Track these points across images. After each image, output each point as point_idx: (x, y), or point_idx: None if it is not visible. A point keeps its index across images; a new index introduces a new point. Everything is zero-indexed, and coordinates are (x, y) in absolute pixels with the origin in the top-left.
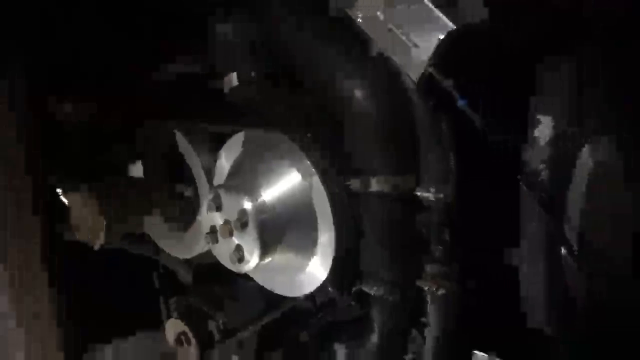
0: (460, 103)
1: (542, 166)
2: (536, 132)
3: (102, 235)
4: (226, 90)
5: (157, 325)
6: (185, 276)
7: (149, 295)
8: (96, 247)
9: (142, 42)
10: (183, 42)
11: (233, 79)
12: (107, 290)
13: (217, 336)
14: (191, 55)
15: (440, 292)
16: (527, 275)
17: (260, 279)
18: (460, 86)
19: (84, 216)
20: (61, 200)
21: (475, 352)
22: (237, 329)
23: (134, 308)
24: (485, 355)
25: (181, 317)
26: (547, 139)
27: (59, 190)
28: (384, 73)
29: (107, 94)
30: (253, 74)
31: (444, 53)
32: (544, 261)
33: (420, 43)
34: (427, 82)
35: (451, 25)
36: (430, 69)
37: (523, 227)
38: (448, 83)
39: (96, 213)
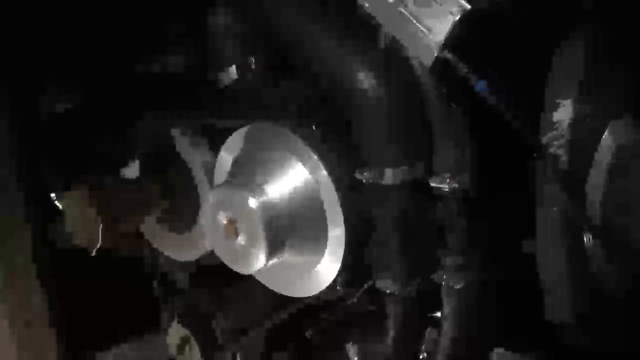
0: (479, 87)
1: (562, 150)
2: (555, 116)
3: (99, 239)
4: (224, 83)
5: (156, 330)
6: (186, 279)
7: (147, 300)
8: (93, 252)
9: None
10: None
11: (232, 71)
12: (103, 294)
13: (221, 340)
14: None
15: (458, 285)
16: (546, 266)
17: (265, 280)
18: (478, 70)
19: (79, 220)
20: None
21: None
22: (242, 331)
23: (131, 313)
24: (505, 352)
25: (183, 321)
26: (567, 122)
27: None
28: (393, 59)
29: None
30: (252, 65)
31: (460, 36)
32: (565, 250)
33: (432, 26)
34: (441, 67)
35: (466, 6)
36: (445, 53)
37: (541, 215)
38: (464, 67)
39: (93, 216)
